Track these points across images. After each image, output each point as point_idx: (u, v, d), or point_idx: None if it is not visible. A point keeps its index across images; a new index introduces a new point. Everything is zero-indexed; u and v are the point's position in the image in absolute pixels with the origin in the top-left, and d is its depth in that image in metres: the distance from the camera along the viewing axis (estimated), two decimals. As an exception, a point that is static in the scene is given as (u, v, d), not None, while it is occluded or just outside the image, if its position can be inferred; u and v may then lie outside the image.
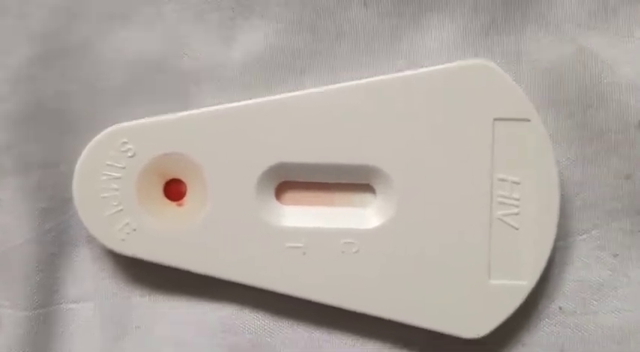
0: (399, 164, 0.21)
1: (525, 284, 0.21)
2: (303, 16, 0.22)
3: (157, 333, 0.22)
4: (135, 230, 0.21)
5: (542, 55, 0.22)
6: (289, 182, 0.22)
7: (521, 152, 0.21)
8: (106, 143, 0.21)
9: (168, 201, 0.22)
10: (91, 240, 0.22)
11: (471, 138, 0.21)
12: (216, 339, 0.22)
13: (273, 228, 0.21)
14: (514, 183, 0.21)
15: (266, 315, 0.22)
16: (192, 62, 0.22)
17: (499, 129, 0.21)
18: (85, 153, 0.21)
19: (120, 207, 0.21)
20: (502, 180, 0.21)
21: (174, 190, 0.22)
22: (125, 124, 0.21)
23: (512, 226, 0.21)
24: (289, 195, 0.22)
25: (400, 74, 0.21)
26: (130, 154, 0.21)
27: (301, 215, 0.22)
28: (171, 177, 0.22)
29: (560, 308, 0.22)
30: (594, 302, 0.22)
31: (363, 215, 0.22)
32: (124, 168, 0.21)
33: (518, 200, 0.21)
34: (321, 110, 0.21)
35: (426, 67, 0.21)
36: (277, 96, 0.21)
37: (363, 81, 0.21)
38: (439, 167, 0.21)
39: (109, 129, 0.21)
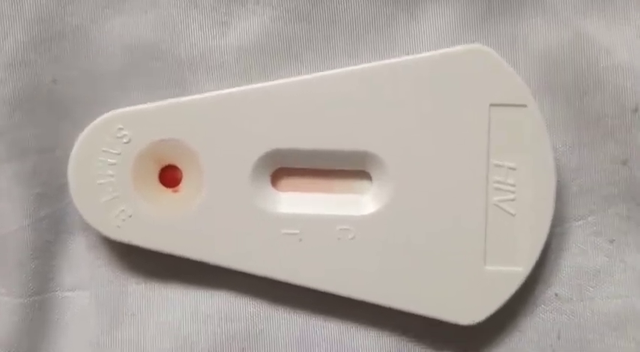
0: (395, 150, 0.21)
1: (521, 270, 0.21)
2: (299, 2, 0.22)
3: (153, 321, 0.22)
4: (130, 216, 0.21)
5: (538, 41, 0.22)
6: (285, 168, 0.22)
7: (517, 138, 0.21)
8: (101, 129, 0.21)
9: (163, 188, 0.22)
10: (87, 227, 0.22)
11: (467, 124, 0.21)
12: (212, 326, 0.22)
13: (269, 215, 0.21)
14: (510, 168, 0.21)
15: (262, 302, 0.22)
16: (188, 48, 0.22)
17: (495, 115, 0.21)
18: (80, 139, 0.21)
19: (115, 194, 0.21)
20: (498, 165, 0.21)
21: (169, 177, 0.22)
22: (121, 110, 0.21)
23: (508, 212, 0.21)
24: (285, 182, 0.22)
25: (396, 60, 0.21)
26: (125, 140, 0.21)
27: (297, 201, 0.22)
28: (166, 164, 0.22)
29: (556, 294, 0.22)
30: (590, 288, 0.22)
31: (359, 201, 0.22)
32: (119, 154, 0.21)
33: (514, 186, 0.21)
34: (317, 96, 0.21)
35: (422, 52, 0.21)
36: (273, 83, 0.21)
37: (359, 66, 0.21)
38: (435, 153, 0.21)
39: (105, 116, 0.21)
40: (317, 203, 0.22)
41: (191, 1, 0.22)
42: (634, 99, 0.22)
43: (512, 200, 0.21)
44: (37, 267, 0.22)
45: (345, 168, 0.22)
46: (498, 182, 0.21)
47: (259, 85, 0.21)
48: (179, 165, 0.22)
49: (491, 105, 0.21)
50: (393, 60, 0.21)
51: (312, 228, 0.21)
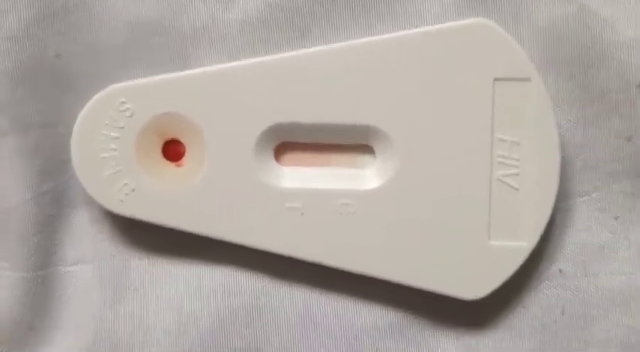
0: (399, 124, 0.21)
1: (525, 245, 0.21)
2: (303, -25, 0.22)
3: (156, 295, 0.22)
4: (133, 190, 0.21)
5: (542, 15, 0.22)
6: (288, 143, 0.22)
7: (521, 112, 0.21)
8: (104, 103, 0.21)
9: (166, 162, 0.22)
10: (90, 201, 0.22)
11: (471, 98, 0.21)
12: (214, 301, 0.22)
13: (272, 189, 0.21)
14: (514, 143, 0.21)
15: (264, 277, 0.22)
16: (191, 22, 0.22)
17: (499, 89, 0.21)
18: (83, 112, 0.21)
19: (118, 168, 0.21)
20: (502, 140, 0.21)
21: (172, 151, 0.22)
22: (124, 84, 0.21)
23: (512, 187, 0.21)
24: (288, 156, 0.22)
25: (400, 33, 0.21)
26: (128, 114, 0.21)
27: (300, 176, 0.22)
28: (169, 138, 0.22)
29: (560, 270, 0.22)
30: (595, 264, 0.22)
31: (362, 176, 0.22)
32: (122, 128, 0.21)
33: (518, 160, 0.21)
34: (320, 70, 0.21)
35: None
36: (276, 56, 0.21)
37: (363, 40, 0.21)
38: (439, 127, 0.21)
39: (108, 89, 0.21)
40: (320, 177, 0.22)
41: (194, -25, 0.22)
42: (638, 74, 0.22)
43: (517, 175, 0.21)
44: (40, 242, 0.22)
45: (349, 142, 0.22)
46: (502, 156, 0.21)
47: (263, 58, 0.21)
48: (182, 140, 0.22)
49: (495, 79, 0.21)
50: (396, 33, 0.21)
51: (315, 202, 0.21)
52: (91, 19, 0.22)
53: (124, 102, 0.21)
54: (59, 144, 0.22)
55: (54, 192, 0.22)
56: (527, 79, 0.21)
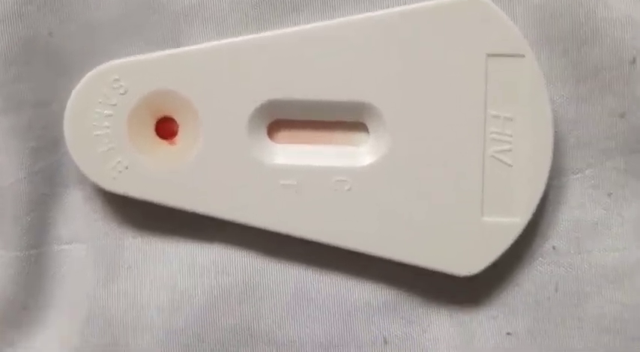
0: (392, 101, 0.21)
1: (518, 221, 0.21)
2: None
3: (149, 274, 0.22)
4: (127, 168, 0.21)
5: (535, -9, 0.22)
6: (282, 120, 0.22)
7: (514, 88, 0.21)
8: (97, 80, 0.21)
9: (160, 140, 0.22)
10: (83, 180, 0.22)
11: (464, 74, 0.21)
12: (208, 279, 0.22)
13: (266, 166, 0.21)
14: (507, 119, 0.21)
15: (258, 254, 0.22)
16: (184, 0, 0.22)
17: (492, 65, 0.21)
18: (76, 90, 0.21)
19: (111, 145, 0.21)
20: (495, 116, 0.21)
21: (166, 128, 0.22)
22: (117, 61, 0.21)
23: (506, 163, 0.21)
24: (282, 134, 0.22)
25: (393, 9, 0.21)
26: (121, 91, 0.21)
27: (294, 153, 0.22)
28: (163, 115, 0.21)
29: (553, 247, 0.22)
30: (588, 241, 0.22)
31: (356, 153, 0.22)
32: (115, 105, 0.21)
33: (511, 136, 0.21)
34: (313, 47, 0.21)
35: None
36: (269, 33, 0.21)
37: (356, 17, 0.21)
38: (432, 103, 0.21)
39: (101, 67, 0.21)
40: (314, 154, 0.22)
41: (187, -49, 0.22)
42: (632, 50, 0.22)
43: (510, 151, 0.21)
44: (33, 220, 0.22)
45: (342, 119, 0.22)
46: (495, 133, 0.21)
47: (256, 35, 0.21)
48: (175, 117, 0.21)
49: (489, 55, 0.21)
50: (390, 10, 0.21)
51: (309, 179, 0.21)
52: (83, -2, 0.22)
53: (117, 80, 0.21)
54: (53, 122, 0.22)
55: (47, 170, 0.22)
56: (520, 55, 0.21)
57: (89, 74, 0.21)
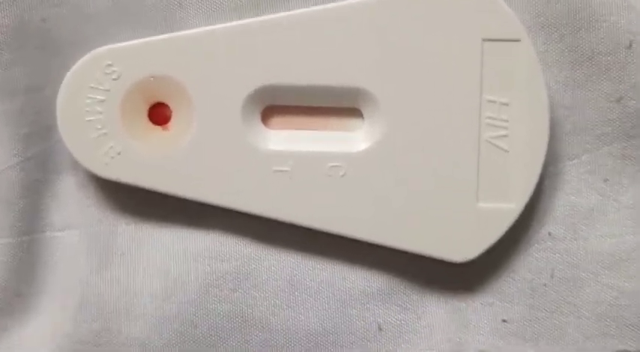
0: (387, 86, 0.21)
1: (514, 206, 0.21)
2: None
3: (143, 260, 0.22)
4: (119, 154, 0.21)
5: (531, -25, 0.22)
6: (276, 106, 0.22)
7: (510, 73, 0.21)
8: (90, 65, 0.21)
9: (153, 126, 0.21)
10: (76, 166, 0.22)
11: (459, 59, 0.21)
12: (201, 265, 0.22)
13: (260, 152, 0.21)
14: (503, 104, 0.21)
15: (252, 242, 0.22)
16: (177, -16, 0.22)
17: (488, 50, 0.21)
18: (69, 75, 0.21)
19: (104, 131, 0.21)
20: (491, 101, 0.21)
21: (159, 114, 0.21)
22: (110, 46, 0.21)
23: (501, 148, 0.21)
24: (276, 120, 0.22)
25: (389, -6, 0.21)
26: (114, 77, 0.21)
27: (288, 139, 0.22)
28: (156, 101, 0.21)
29: (549, 233, 0.22)
30: (584, 227, 0.22)
31: (350, 138, 0.22)
32: (108, 90, 0.21)
33: (507, 122, 0.21)
34: (308, 31, 0.21)
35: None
36: (263, 18, 0.21)
37: (352, 1, 0.21)
38: (427, 88, 0.21)
39: (94, 52, 0.21)
40: (308, 140, 0.22)
41: None
42: (628, 35, 0.21)
43: (505, 136, 0.21)
44: (26, 207, 0.22)
45: (337, 105, 0.22)
46: (491, 118, 0.21)
47: (250, 20, 0.21)
48: (169, 103, 0.21)
49: (484, 40, 0.21)
50: (385, -6, 0.21)
51: (303, 165, 0.21)
52: (77, -18, 0.22)
53: (110, 65, 0.21)
54: (46, 108, 0.22)
55: (40, 156, 0.22)
56: (516, 40, 0.21)
57: (82, 59, 0.21)
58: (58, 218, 0.22)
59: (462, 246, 0.21)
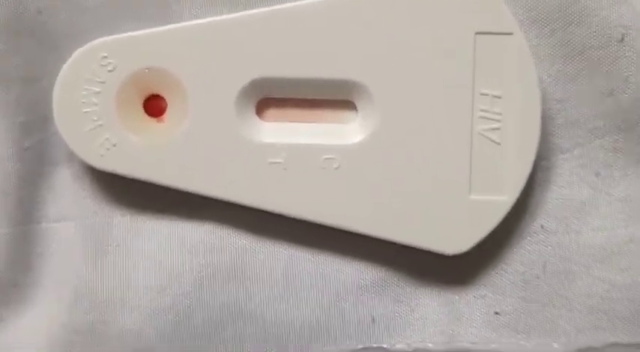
0: (381, 78, 0.21)
1: (506, 199, 0.21)
2: None
3: (138, 252, 0.22)
4: (115, 145, 0.21)
5: (522, -31, 0.22)
6: (271, 99, 0.22)
7: (502, 66, 0.21)
8: (86, 57, 0.21)
9: (148, 117, 0.22)
10: (72, 158, 0.22)
11: (452, 52, 0.21)
12: (196, 257, 0.22)
13: (254, 144, 0.21)
14: (495, 97, 0.21)
15: (247, 234, 0.22)
16: (173, -23, 0.22)
17: (481, 43, 0.21)
18: (65, 66, 0.21)
19: (100, 122, 0.21)
20: (483, 94, 0.21)
21: (154, 106, 0.22)
22: (105, 38, 0.21)
23: (494, 141, 0.21)
24: (271, 112, 0.22)
25: (382, -13, 0.21)
26: (110, 68, 0.21)
27: (282, 131, 0.22)
28: (151, 93, 0.21)
29: (541, 226, 0.22)
30: (576, 220, 0.22)
31: (344, 131, 0.22)
32: (103, 82, 0.21)
33: (499, 114, 0.21)
34: (302, 24, 0.21)
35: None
36: (258, 10, 0.21)
37: (345, -6, 0.21)
38: (420, 81, 0.21)
39: (90, 44, 0.21)
40: (302, 133, 0.22)
41: None
42: (620, 29, 0.22)
43: (498, 129, 0.21)
44: (21, 198, 0.22)
45: (331, 97, 0.22)
46: (484, 110, 0.21)
47: (245, 12, 0.21)
48: (164, 95, 0.21)
49: (477, 33, 0.21)
50: (379, -13, 0.21)
51: (297, 157, 0.21)
52: (73, -26, 0.22)
53: (105, 57, 0.21)
54: (42, 99, 0.22)
55: (36, 148, 0.22)
56: (508, 33, 0.21)
57: (78, 51, 0.21)
58: (54, 209, 0.22)
59: (454, 238, 0.21)
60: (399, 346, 0.22)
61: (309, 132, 0.22)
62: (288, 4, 0.21)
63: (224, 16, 0.21)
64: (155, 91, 0.21)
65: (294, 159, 0.21)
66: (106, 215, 0.22)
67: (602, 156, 0.22)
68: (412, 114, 0.21)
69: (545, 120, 0.22)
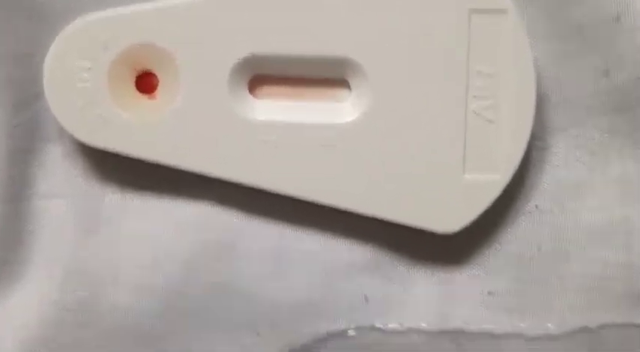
0: (374, 56, 0.21)
1: (500, 178, 0.21)
2: None
3: (129, 230, 0.22)
4: (106, 121, 0.21)
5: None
6: (264, 76, 0.22)
7: (497, 44, 0.21)
8: (77, 33, 0.21)
9: (139, 94, 0.21)
10: (63, 135, 0.22)
11: (446, 30, 0.21)
12: (188, 236, 0.22)
13: (246, 122, 0.21)
14: (490, 75, 0.21)
15: (239, 212, 0.22)
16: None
17: (475, 21, 0.21)
18: (56, 43, 0.21)
19: (91, 99, 0.21)
20: (478, 72, 0.21)
21: (146, 82, 0.21)
22: (97, 14, 0.21)
23: (488, 119, 0.21)
24: (264, 90, 0.22)
25: (376, -36, 0.21)
26: (101, 44, 0.21)
27: (275, 109, 0.22)
28: (143, 70, 0.21)
29: (536, 206, 0.22)
30: (571, 200, 0.22)
31: (337, 109, 0.22)
32: (95, 58, 0.21)
33: (493, 93, 0.21)
34: (296, 0, 0.21)
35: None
36: (251, -14, 0.21)
37: (339, -29, 0.21)
38: (414, 59, 0.21)
39: (81, 19, 0.21)
40: (295, 111, 0.22)
41: None
42: (615, 8, 0.21)
43: (492, 107, 0.21)
44: (12, 175, 0.22)
45: (324, 75, 0.22)
46: (478, 88, 0.21)
47: (237, -12, 0.21)
48: (155, 72, 0.21)
49: (471, 10, 0.21)
50: (372, -36, 0.21)
51: (290, 135, 0.21)
52: (64, -50, 0.22)
53: (97, 33, 0.21)
54: (33, 76, 0.22)
55: (27, 125, 0.22)
56: (503, 11, 0.21)
57: (69, 27, 0.21)
58: (45, 186, 0.22)
59: (448, 217, 0.21)
60: (391, 325, 0.22)
61: (302, 111, 0.22)
62: (281, -20, 0.21)
63: (217, -8, 0.21)
64: (147, 68, 0.21)
65: (286, 137, 0.21)
66: (97, 193, 0.22)
67: (598, 136, 0.22)
68: (406, 93, 0.21)
69: (541, 100, 0.21)
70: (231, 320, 0.22)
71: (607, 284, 0.22)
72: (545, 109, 0.22)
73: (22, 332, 0.22)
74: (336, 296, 0.22)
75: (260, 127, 0.21)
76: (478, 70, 0.21)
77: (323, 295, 0.22)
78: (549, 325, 0.22)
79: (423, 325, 0.22)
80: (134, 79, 0.21)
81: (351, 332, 0.22)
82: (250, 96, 0.22)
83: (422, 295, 0.22)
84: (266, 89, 0.22)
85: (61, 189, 0.22)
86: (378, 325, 0.22)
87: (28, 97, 0.22)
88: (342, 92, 0.22)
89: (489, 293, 0.22)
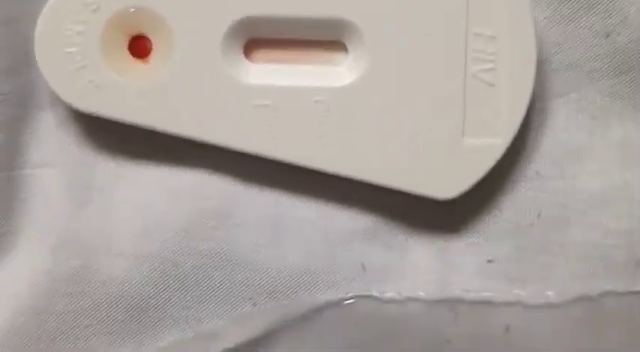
0: (372, 18, 0.20)
1: (500, 142, 0.21)
2: None
3: (123, 199, 0.22)
4: (98, 87, 0.21)
5: None
6: (259, 39, 0.21)
7: (497, 6, 0.20)
8: (68, -4, 0.20)
9: (133, 58, 0.21)
10: (55, 103, 0.21)
11: (445, -9, 0.20)
12: (182, 203, 0.21)
13: (241, 86, 0.21)
14: (490, 37, 0.20)
15: (234, 179, 0.22)
16: None
17: (475, -18, 0.20)
18: (47, 6, 0.20)
19: (83, 63, 0.21)
20: (477, 34, 0.20)
21: (139, 47, 0.21)
22: (89, -23, 0.21)
23: (488, 82, 0.21)
24: (259, 54, 0.21)
25: None
26: (93, 7, 0.20)
27: (271, 73, 0.21)
28: (136, 33, 0.21)
29: (537, 172, 0.22)
30: (572, 165, 0.22)
31: (334, 73, 0.21)
32: (87, 22, 0.20)
33: (493, 55, 0.20)
34: (291, -39, 0.20)
35: None
36: (245, -52, 0.21)
37: None
38: (412, 21, 0.20)
39: (72, -17, 0.21)
40: (291, 74, 0.21)
41: None
42: (617, -31, 0.21)
43: (492, 70, 0.21)
44: (4, 143, 0.21)
45: (320, 38, 0.21)
46: (477, 51, 0.20)
47: (231, -50, 0.21)
48: (149, 35, 0.21)
49: (471, -29, 0.20)
50: None
51: (286, 99, 0.21)
52: None
53: (89, -4, 0.20)
54: (24, 42, 0.21)
55: (18, 92, 0.22)
56: (503, -28, 0.20)
57: (60, -10, 0.20)
58: (37, 155, 0.22)
59: (447, 182, 0.21)
60: (389, 294, 0.22)
61: (298, 74, 0.21)
62: (277, -59, 0.21)
63: (210, -46, 0.21)
64: (140, 32, 0.21)
65: (282, 102, 0.21)
66: (90, 161, 0.22)
67: (599, 100, 0.22)
68: (404, 55, 0.20)
69: (541, 63, 0.21)
70: (227, 290, 0.22)
71: (608, 251, 0.21)
72: (545, 73, 0.22)
73: (13, 301, 0.21)
74: (334, 264, 0.22)
75: (255, 91, 0.21)
76: (477, 32, 0.20)
77: (320, 263, 0.22)
78: (549, 293, 0.22)
79: (422, 294, 0.22)
80: (127, 43, 0.21)
81: (348, 301, 0.22)
82: (245, 60, 0.21)
83: (420, 263, 0.22)
84: (261, 53, 0.21)
85: (53, 157, 0.22)
86: (375, 293, 0.22)
87: (20, 64, 0.21)
88: (338, 55, 0.21)
89: (489, 261, 0.22)
